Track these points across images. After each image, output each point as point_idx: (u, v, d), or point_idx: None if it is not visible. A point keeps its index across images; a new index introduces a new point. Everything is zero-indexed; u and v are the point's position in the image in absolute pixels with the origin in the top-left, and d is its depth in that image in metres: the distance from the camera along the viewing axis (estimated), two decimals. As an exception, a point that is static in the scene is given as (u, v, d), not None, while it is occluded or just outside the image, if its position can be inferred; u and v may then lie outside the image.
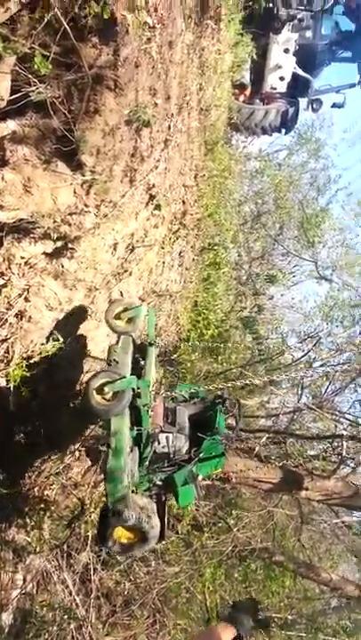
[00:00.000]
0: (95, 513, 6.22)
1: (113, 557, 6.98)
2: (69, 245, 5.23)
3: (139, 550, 4.93)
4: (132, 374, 4.90)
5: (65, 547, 5.92)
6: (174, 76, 6.06)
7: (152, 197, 6.58)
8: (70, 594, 5.62)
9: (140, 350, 5.65)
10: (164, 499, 5.25)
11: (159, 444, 5.11)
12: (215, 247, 10.36)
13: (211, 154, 9.43)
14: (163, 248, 7.86)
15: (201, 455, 5.11)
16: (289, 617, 9.16)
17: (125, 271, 6.61)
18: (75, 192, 5.01)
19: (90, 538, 6.09)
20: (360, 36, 11.68)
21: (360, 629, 8.97)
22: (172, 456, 5.14)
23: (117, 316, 5.46)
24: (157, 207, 6.86)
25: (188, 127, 7.50)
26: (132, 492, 4.64)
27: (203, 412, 5.56)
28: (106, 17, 4.28)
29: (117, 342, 5.38)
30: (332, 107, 13.28)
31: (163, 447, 5.13)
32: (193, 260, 9.87)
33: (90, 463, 6.40)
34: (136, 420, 4.87)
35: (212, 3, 6.88)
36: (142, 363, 5.51)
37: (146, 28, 4.89)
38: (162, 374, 8.63)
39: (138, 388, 4.74)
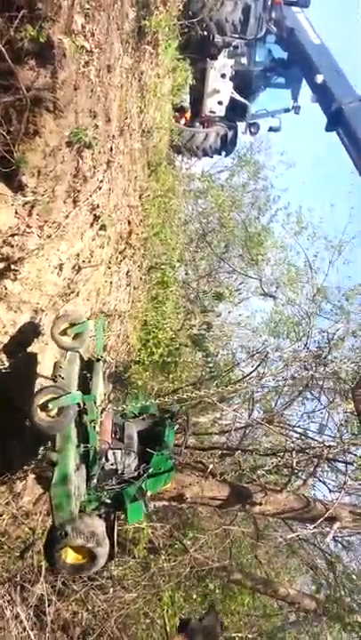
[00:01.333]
0: (47, 542, 6.02)
1: (70, 587, 6.75)
2: (12, 267, 5.12)
3: (88, 570, 4.86)
4: (78, 390, 4.81)
5: (18, 579, 5.66)
6: (114, 98, 6.14)
7: (97, 218, 6.57)
8: (24, 629, 5.36)
9: (88, 366, 5.55)
10: (113, 517, 5.18)
11: (107, 460, 5.07)
12: (162, 266, 10.43)
13: (154, 174, 9.56)
14: (109, 268, 7.83)
15: (150, 471, 5.12)
16: (249, 635, 9.13)
17: (72, 292, 6.53)
18: (16, 213, 4.95)
19: (43, 568, 5.86)
20: (292, 63, 12.24)
21: (319, 641, 9.05)
22: (120, 473, 5.11)
23: (64, 332, 5.33)
24: (103, 227, 6.86)
25: (130, 149, 7.59)
26: (80, 511, 4.57)
27: (152, 427, 5.57)
28: (42, 40, 4.30)
29: (64, 358, 5.28)
30: (268, 130, 13.82)
31: (111, 464, 5.09)
32: (141, 279, 9.89)
33: (41, 491, 6.19)
34: (83, 437, 4.78)
35: (149, 28, 7.05)
36: (90, 379, 5.39)
37: (83, 51, 4.95)
38: (110, 389, 8.53)
39: (84, 404, 4.67)
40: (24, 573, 5.82)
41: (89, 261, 6.67)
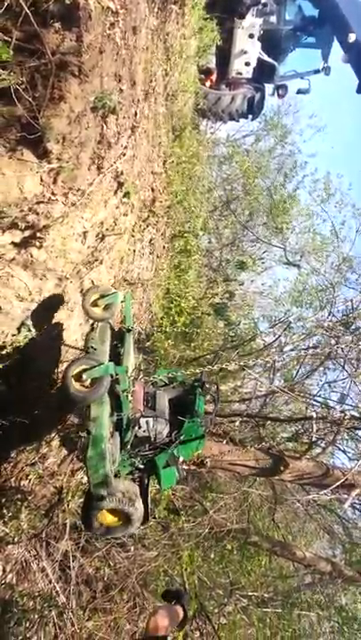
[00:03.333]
0: (73, 501, 6.26)
1: (92, 544, 7.05)
2: (38, 235, 5.17)
3: (123, 532, 4.99)
4: (110, 361, 4.88)
5: (43, 536, 5.95)
6: (139, 61, 6.02)
7: (120, 185, 6.54)
8: (50, 582, 5.66)
9: (118, 337, 5.64)
10: (146, 481, 5.33)
11: (140, 428, 5.15)
12: (185, 234, 10.37)
13: (179, 140, 9.41)
14: (133, 236, 7.84)
15: (182, 438, 5.19)
16: (265, 595, 9.43)
17: (96, 260, 6.57)
18: (41, 180, 4.95)
19: (68, 526, 6.13)
20: (323, 21, 11.72)
21: (332, 603, 9.31)
22: (153, 440, 5.19)
23: (94, 304, 5.44)
24: (126, 195, 6.82)
25: (154, 113, 7.47)
26: (115, 475, 4.71)
27: (182, 395, 5.63)
28: (68, 2, 4.21)
29: (94, 330, 5.36)
30: (297, 93, 13.37)
31: (143, 431, 5.17)
32: (164, 247, 9.88)
33: (66, 452, 6.41)
34: (116, 405, 4.88)
35: (176, -13, 6.83)
36: (120, 349, 5.50)
37: (109, 13, 4.84)
38: (140, 360, 8.66)
39: (116, 375, 4.75)
40: (49, 530, 6.09)
41: (113, 229, 6.68)
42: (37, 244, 5.20)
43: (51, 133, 4.79)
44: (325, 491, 8.78)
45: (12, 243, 5.06)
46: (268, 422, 10.21)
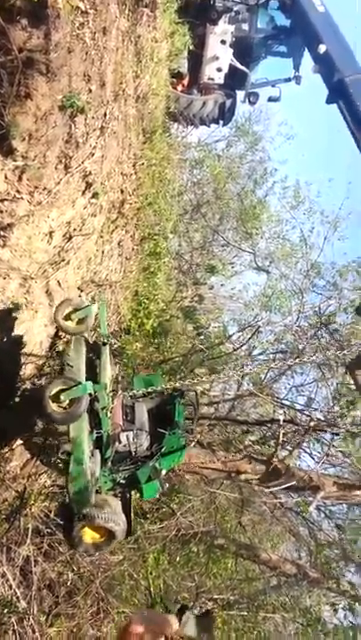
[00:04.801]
0: (35, 505, 6.16)
1: (55, 548, 6.94)
2: (1, 233, 5.09)
3: (107, 547, 5.02)
4: (87, 376, 4.83)
5: (4, 540, 5.82)
6: (109, 62, 6.00)
7: (89, 185, 6.50)
8: (11, 587, 5.54)
9: (94, 349, 5.52)
10: (128, 495, 5.29)
11: (120, 443, 5.12)
12: (155, 237, 10.36)
13: (149, 142, 9.40)
14: (101, 237, 7.78)
15: (163, 450, 5.17)
16: (231, 597, 9.45)
17: (63, 260, 6.51)
18: (6, 178, 4.90)
19: (30, 530, 6.03)
20: (295, 31, 11.89)
21: (297, 605, 9.39)
22: (134, 453, 5.17)
23: (67, 317, 5.30)
24: (95, 195, 6.78)
25: (125, 115, 7.45)
26: (97, 492, 4.68)
27: (161, 404, 5.61)
28: (35, 0, 4.18)
29: (69, 345, 5.25)
30: (268, 100, 13.51)
31: (124, 446, 5.14)
32: (133, 249, 9.84)
33: (29, 456, 6.30)
34: (95, 423, 4.82)
35: (147, -10, 6.85)
36: (97, 362, 5.38)
37: (78, 13, 4.83)
38: (117, 371, 8.59)
39: (95, 393, 4.69)
40: (10, 535, 5.97)
41: (80, 230, 6.63)
42: (1, 242, 5.12)
43: (16, 131, 4.74)
44: (293, 495, 8.92)
45: (-25, 241, 4.97)
46: (237, 425, 10.29)
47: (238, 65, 12.02)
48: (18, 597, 5.65)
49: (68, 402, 4.46)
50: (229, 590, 9.49)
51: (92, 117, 5.85)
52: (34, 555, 6.12)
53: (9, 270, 5.37)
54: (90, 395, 4.58)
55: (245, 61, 12.18)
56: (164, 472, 5.27)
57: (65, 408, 4.47)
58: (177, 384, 5.38)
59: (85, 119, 5.61)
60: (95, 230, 7.29)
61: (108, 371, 5.34)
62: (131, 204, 8.59)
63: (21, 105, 4.73)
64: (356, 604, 8.72)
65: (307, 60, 12.01)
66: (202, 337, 11.88)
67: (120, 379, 5.99)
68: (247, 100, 12.65)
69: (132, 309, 9.68)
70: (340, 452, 9.90)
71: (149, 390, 5.41)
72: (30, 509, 6.17)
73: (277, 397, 10.81)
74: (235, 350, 11.22)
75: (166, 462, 5.27)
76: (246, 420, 10.60)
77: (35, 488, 6.27)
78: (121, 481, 5.15)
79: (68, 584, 6.80)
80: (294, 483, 8.08)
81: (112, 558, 7.44)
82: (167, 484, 5.96)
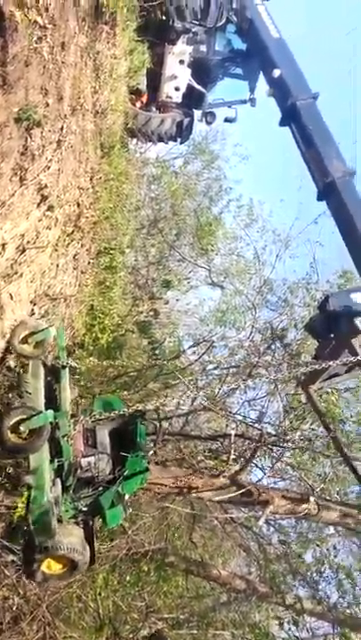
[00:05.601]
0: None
1: (1, 572, 6.69)
2: None
3: (70, 577, 4.92)
4: (46, 401, 4.71)
5: None
6: (67, 77, 5.99)
7: (44, 198, 6.42)
8: None
9: (52, 372, 5.40)
10: (91, 523, 5.14)
11: (82, 469, 4.99)
12: (112, 251, 10.33)
13: (107, 157, 9.40)
14: (56, 250, 7.68)
15: (125, 473, 5.08)
16: (181, 616, 9.38)
17: (15, 273, 6.36)
18: None
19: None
20: (251, 55, 12.27)
21: (246, 620, 9.43)
22: (95, 479, 5.04)
23: (24, 340, 5.17)
24: (50, 208, 6.70)
25: (82, 129, 7.43)
26: (58, 521, 4.52)
27: (122, 426, 5.50)
28: (-8, 11, 4.13)
29: (26, 370, 5.08)
30: (224, 121, 13.84)
31: (86, 471, 5.01)
32: (89, 263, 9.76)
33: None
34: (55, 451, 4.69)
35: (107, 8, 6.89)
36: (55, 387, 5.27)
37: (36, 27, 4.80)
38: (76, 394, 8.44)
39: (56, 421, 4.57)
40: None
41: (34, 242, 6.51)
42: None
43: (-30, 142, 4.64)
44: (244, 509, 8.98)
45: None
46: (190, 440, 10.30)
47: (196, 85, 12.26)
48: None
49: (27, 432, 4.32)
50: (180, 609, 9.43)
51: (49, 131, 5.80)
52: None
53: None
54: (51, 424, 4.46)
55: (203, 82, 12.44)
56: (127, 497, 5.18)
57: (25, 438, 4.33)
58: (139, 407, 5.27)
59: (42, 132, 5.55)
60: (50, 243, 7.19)
61: (68, 395, 5.21)
62: (87, 217, 8.54)
63: (-25, 116, 4.64)
64: (301, 617, 8.84)
65: (262, 84, 12.42)
66: (157, 351, 11.88)
67: (79, 401, 5.88)
68: (204, 120, 12.91)
69: (86, 324, 9.58)
70: (290, 465, 10.11)
71: (110, 413, 5.27)
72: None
73: (230, 412, 10.92)
74: (189, 365, 11.27)
75: (129, 486, 5.17)
76: (199, 435, 10.63)
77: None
78: (83, 508, 5.00)
79: (14, 609, 6.55)
80: (244, 496, 8.18)
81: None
82: (130, 509, 5.88)
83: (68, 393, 5.21)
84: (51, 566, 4.63)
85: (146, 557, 8.28)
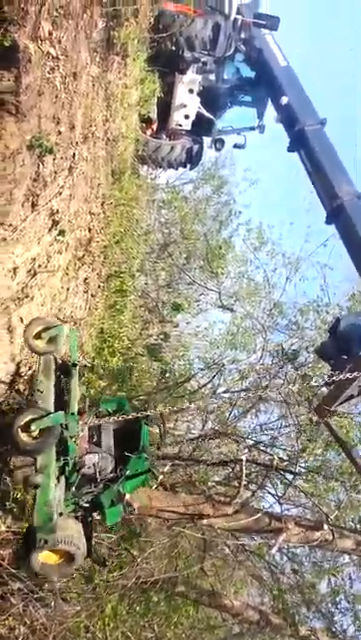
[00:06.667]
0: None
1: (7, 600, 6.56)
2: (-37, 269, 5.02)
3: (65, 570, 4.86)
4: (55, 400, 4.80)
5: None
6: (79, 106, 6.14)
7: (56, 223, 6.52)
8: None
9: (63, 370, 5.48)
10: (90, 519, 5.21)
11: (85, 466, 5.10)
12: (122, 274, 10.41)
13: (118, 183, 9.57)
14: (67, 274, 7.76)
15: (127, 473, 5.20)
16: (193, 648, 9.11)
17: (27, 296, 6.43)
18: (-30, 215, 4.86)
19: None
20: (259, 83, 12.53)
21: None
22: (97, 477, 5.15)
23: (37, 336, 5.27)
24: (61, 233, 6.80)
25: (94, 156, 7.58)
26: (59, 514, 4.58)
27: (126, 426, 5.56)
28: (7, 44, 4.27)
29: (38, 369, 5.19)
30: (233, 147, 14.07)
31: (88, 468, 5.13)
32: (99, 286, 9.84)
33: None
34: (62, 450, 4.76)
35: (118, 40, 7.09)
36: (66, 385, 5.35)
37: (49, 57, 4.94)
38: (85, 390, 8.45)
39: (66, 422, 4.64)
40: None
41: (45, 266, 6.59)
42: None
43: (-17, 169, 4.74)
44: (256, 537, 8.78)
45: None
46: (200, 466, 10.15)
47: (205, 113, 12.52)
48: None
49: (38, 431, 4.39)
50: (190, 640, 9.16)
51: (61, 158, 5.93)
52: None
53: (-30, 306, 5.27)
54: (61, 425, 4.54)
55: (212, 109, 12.70)
56: (128, 496, 5.29)
57: (35, 438, 4.40)
58: (147, 412, 5.41)
59: (54, 159, 5.67)
60: (61, 267, 7.27)
61: (78, 395, 5.29)
62: (98, 242, 8.65)
63: (-11, 144, 4.76)
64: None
65: (270, 110, 12.64)
66: (167, 375, 11.83)
67: (87, 398, 5.96)
68: (213, 146, 13.14)
69: (96, 347, 9.59)
70: (303, 492, 9.90)
71: (116, 412, 5.43)
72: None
73: (241, 436, 10.79)
74: (199, 388, 11.20)
75: (130, 486, 5.29)
76: (210, 460, 10.49)
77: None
78: (84, 504, 5.10)
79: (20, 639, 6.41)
80: (256, 524, 8.00)
81: (68, 610, 7.09)
82: (132, 508, 5.96)
83: (77, 392, 5.28)
84: (49, 558, 4.68)
85: (155, 587, 8.08)
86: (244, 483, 8.08)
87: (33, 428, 4.38)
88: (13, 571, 6.03)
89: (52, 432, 4.43)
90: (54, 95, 5.36)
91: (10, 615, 6.34)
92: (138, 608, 8.29)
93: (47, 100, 5.22)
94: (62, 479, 4.81)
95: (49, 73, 5.07)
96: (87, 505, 5.12)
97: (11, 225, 5.32)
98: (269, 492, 9.84)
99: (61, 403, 4.95)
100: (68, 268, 7.62)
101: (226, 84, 12.72)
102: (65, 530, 4.52)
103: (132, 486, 5.36)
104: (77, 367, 5.50)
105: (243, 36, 11.87)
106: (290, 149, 9.70)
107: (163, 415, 6.18)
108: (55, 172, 5.90)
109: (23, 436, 4.38)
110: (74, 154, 6.40)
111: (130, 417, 5.30)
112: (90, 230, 8.36)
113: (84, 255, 8.22)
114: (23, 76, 4.65)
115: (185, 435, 11.07)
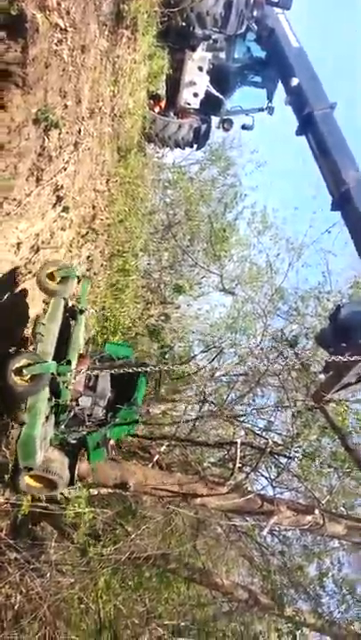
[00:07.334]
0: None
1: (5, 569, 6.71)
2: (-33, 242, 5.00)
3: (51, 493, 5.43)
4: (59, 343, 5.00)
5: None
6: (86, 80, 6.04)
7: (60, 199, 6.47)
8: None
9: (72, 315, 5.69)
10: (75, 454, 5.50)
11: (77, 406, 5.37)
12: (125, 254, 10.36)
13: (124, 161, 9.45)
14: (70, 251, 7.73)
15: (116, 421, 5.48)
16: (182, 624, 9.30)
17: (29, 272, 6.42)
18: (-26, 187, 4.82)
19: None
20: (269, 63, 12.29)
21: (248, 631, 9.32)
22: (88, 419, 5.42)
23: (50, 276, 5.49)
24: (65, 209, 6.76)
25: (100, 132, 7.48)
26: (50, 445, 5.01)
27: (123, 377, 5.64)
28: (14, 13, 4.18)
29: (45, 311, 5.39)
30: (242, 128, 13.86)
31: (80, 409, 5.39)
32: (102, 265, 9.80)
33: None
34: (55, 392, 4.98)
35: (128, 13, 6.94)
36: (71, 329, 5.54)
37: (57, 29, 4.85)
38: (90, 335, 8.57)
39: (58, 373, 4.82)
40: None
41: (49, 243, 6.57)
42: (-35, 251, 5.02)
43: (-13, 141, 4.69)
44: (248, 519, 8.89)
45: None
46: (196, 447, 10.25)
47: (214, 91, 12.29)
48: None
49: (29, 376, 4.59)
50: (181, 616, 9.35)
51: (67, 132, 5.85)
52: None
53: (-29, 280, 5.27)
54: (52, 374, 4.74)
55: (221, 88, 12.46)
56: (112, 441, 5.61)
57: (26, 382, 4.60)
58: (148, 362, 5.64)
59: (59, 134, 5.60)
60: (64, 244, 7.24)
61: (81, 339, 5.53)
62: (102, 219, 8.59)
63: (-6, 115, 4.69)
64: (299, 631, 8.73)
65: (280, 92, 12.44)
66: (166, 356, 11.87)
67: (91, 343, 6.11)
68: (221, 127, 12.93)
69: (97, 325, 9.60)
70: (296, 476, 10.02)
71: (117, 358, 5.71)
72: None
73: (238, 419, 10.87)
74: (198, 370, 11.24)
75: (116, 432, 5.60)
76: (206, 441, 10.59)
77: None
78: (71, 441, 5.42)
79: (16, 607, 6.56)
80: (248, 505, 8.11)
81: (63, 581, 7.23)
82: (114, 453, 6.32)
83: (80, 336, 5.51)
84: (31, 483, 5.14)
85: (148, 562, 8.23)
86: (238, 465, 8.16)
87: (25, 372, 4.58)
88: (10, 541, 6.15)
89: (42, 379, 4.63)
90: (61, 68, 5.27)
91: (7, 584, 6.49)
92: (130, 583, 8.47)
93: (54, 73, 5.13)
94: (52, 416, 5.08)
95: (56, 45, 4.98)
96: (74, 442, 5.44)
97: (15, 199, 5.28)
98: (263, 475, 9.97)
99: (65, 347, 5.15)
100: (71, 246, 7.59)
101: (236, 63, 12.46)
102: (50, 461, 4.94)
103: (118, 433, 5.67)
104: (84, 314, 5.75)
105: (255, 14, 11.58)
106: (298, 133, 9.56)
107: (161, 373, 6.38)
108: (60, 147, 5.83)
109: (16, 379, 4.59)
110: (80, 129, 6.32)
111: (130, 370, 5.45)
112: (94, 208, 8.29)
113: (87, 233, 8.17)
114: (30, 47, 4.56)
115: (182, 415, 11.15)
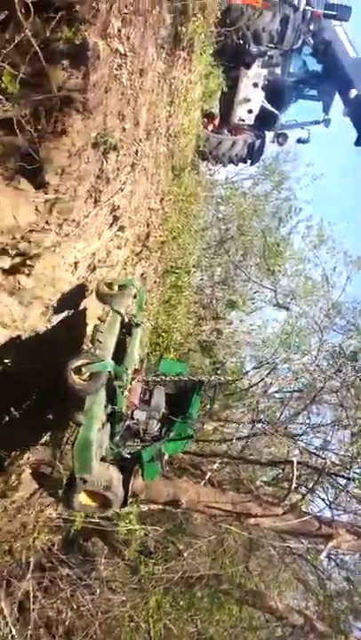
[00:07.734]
0: (39, 539, 6.06)
1: (56, 584, 6.77)
2: (28, 262, 5.16)
3: (103, 513, 5.38)
4: (116, 354, 5.09)
5: (4, 573, 5.69)
6: (144, 102, 6.15)
7: (116, 219, 6.59)
8: (7, 624, 5.38)
9: (127, 329, 5.78)
10: (130, 470, 5.49)
11: (132, 420, 5.38)
12: (178, 270, 10.43)
13: (178, 179, 9.56)
14: (125, 269, 7.86)
15: (171, 435, 5.43)
16: (234, 647, 9.08)
17: (86, 290, 6.56)
18: (37, 209, 4.98)
19: (32, 564, 5.89)
20: (326, 76, 12.17)
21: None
22: (142, 433, 5.41)
23: (109, 286, 5.70)
24: (121, 229, 6.88)
25: (155, 152, 7.60)
26: (102, 459, 4.95)
27: (179, 392, 5.77)
28: (77, 42, 4.32)
29: (103, 321, 5.47)
30: (297, 142, 13.75)
31: (135, 424, 5.40)
32: (155, 282, 9.90)
33: (36, 486, 6.23)
34: (111, 399, 5.06)
35: (185, 35, 7.05)
36: (127, 343, 5.63)
37: (117, 54, 4.97)
38: (146, 351, 8.64)
39: (115, 372, 4.93)
40: (11, 568, 5.86)
41: (105, 261, 6.69)
42: (26, 271, 5.18)
43: (50, 165, 4.84)
44: (304, 541, 8.61)
45: (1, 269, 5.04)
46: (249, 465, 10.06)
47: (269, 107, 12.28)
48: (13, 635, 5.48)
49: (88, 375, 4.71)
50: (232, 638, 9.13)
51: (124, 154, 5.97)
52: (34, 590, 5.98)
53: (32, 298, 5.42)
54: (110, 373, 4.84)
55: (276, 103, 12.44)
56: (167, 456, 5.55)
57: (85, 381, 4.73)
58: (203, 377, 5.66)
59: (117, 156, 5.72)
60: (119, 262, 7.36)
61: (136, 354, 5.62)
62: (156, 237, 8.69)
63: (57, 141, 4.84)
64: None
65: (337, 104, 12.24)
66: (219, 372, 11.77)
67: (146, 360, 6.12)
68: (276, 141, 12.88)
69: (150, 341, 9.68)
70: (355, 498, 9.60)
71: (172, 376, 5.66)
72: (33, 542, 6.06)
73: (292, 437, 10.58)
74: (251, 387, 11.08)
75: (171, 448, 5.54)
76: (259, 459, 10.38)
77: (40, 520, 6.18)
78: (125, 455, 5.39)
79: (67, 623, 6.61)
80: (304, 527, 7.85)
81: (114, 598, 7.23)
82: (167, 469, 6.27)
83: (135, 351, 5.59)
84: (85, 498, 5.07)
85: (200, 582, 8.11)
86: (294, 485, 7.93)
87: (84, 370, 4.71)
88: (63, 557, 6.20)
89: (100, 377, 4.73)
90: (120, 92, 5.39)
91: (58, 599, 6.54)
92: (182, 602, 8.36)
93: (113, 97, 5.25)
94: (108, 426, 5.11)
95: (116, 70, 5.10)
96: (128, 456, 5.41)
97: (74, 220, 5.41)
98: (320, 497, 9.62)
99: (121, 360, 5.23)
100: (125, 264, 7.71)
101: (291, 78, 12.42)
102: (104, 476, 4.89)
103: (174, 449, 5.62)
104: (140, 327, 5.82)
105: (311, 27, 11.52)
106: (358, 143, 9.38)
107: (216, 389, 6.31)
108: (118, 169, 5.95)
109: (75, 378, 4.72)
110: (137, 150, 6.43)
111: (185, 379, 5.60)
112: (148, 226, 8.41)
113: (141, 250, 8.29)
114: (91, 74, 4.69)
115: (234, 433, 11.00)
